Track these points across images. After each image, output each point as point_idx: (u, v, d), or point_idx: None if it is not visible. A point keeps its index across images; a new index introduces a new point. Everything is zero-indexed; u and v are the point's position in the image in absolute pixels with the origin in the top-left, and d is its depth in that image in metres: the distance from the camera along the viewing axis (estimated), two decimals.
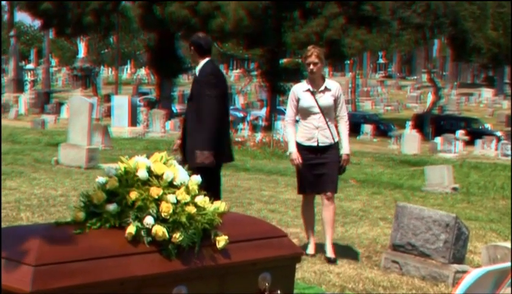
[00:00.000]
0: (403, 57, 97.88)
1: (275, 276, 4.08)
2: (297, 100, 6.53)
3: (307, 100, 6.50)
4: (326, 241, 6.62)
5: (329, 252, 6.56)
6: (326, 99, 6.49)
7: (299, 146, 6.55)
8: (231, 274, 3.87)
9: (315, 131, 6.50)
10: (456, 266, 6.26)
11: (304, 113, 6.55)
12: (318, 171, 6.54)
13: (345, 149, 6.59)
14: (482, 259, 5.96)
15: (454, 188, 13.30)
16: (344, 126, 6.59)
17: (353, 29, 39.17)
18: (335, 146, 6.56)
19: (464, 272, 6.25)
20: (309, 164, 6.53)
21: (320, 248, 6.78)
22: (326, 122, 6.49)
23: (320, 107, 6.46)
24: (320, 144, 6.51)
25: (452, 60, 68.50)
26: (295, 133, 6.64)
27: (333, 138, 6.53)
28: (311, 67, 6.45)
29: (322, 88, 6.49)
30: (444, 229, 6.27)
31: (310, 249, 6.73)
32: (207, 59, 6.46)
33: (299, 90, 6.57)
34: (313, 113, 6.49)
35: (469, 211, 10.72)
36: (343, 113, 6.61)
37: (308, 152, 6.53)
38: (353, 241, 7.28)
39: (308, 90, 6.52)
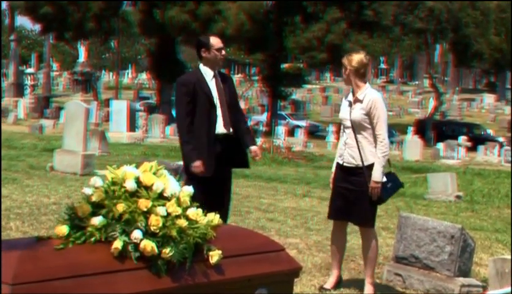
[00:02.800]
0: (405, 62, 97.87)
1: (273, 292, 3.88)
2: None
3: (343, 111, 5.74)
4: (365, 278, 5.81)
5: (367, 290, 5.77)
6: (355, 112, 5.59)
7: (336, 163, 5.80)
8: (225, 291, 3.67)
9: (343, 148, 5.68)
10: (462, 280, 6.04)
11: (342, 124, 5.78)
12: (346, 196, 5.66)
13: (373, 175, 5.50)
14: (489, 272, 5.72)
15: (458, 196, 13.09)
16: (378, 147, 5.52)
17: (354, 34, 39.08)
18: (364, 170, 5.53)
19: (470, 285, 6.03)
20: (338, 186, 5.73)
21: (344, 284, 5.96)
22: (356, 140, 5.56)
23: (351, 120, 5.61)
24: (345, 164, 5.65)
25: (454, 65, 68.36)
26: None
27: (362, 160, 5.53)
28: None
29: (354, 99, 5.66)
30: (450, 241, 6.05)
31: (329, 283, 5.83)
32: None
33: (344, 97, 5.84)
34: (346, 126, 5.67)
35: (473, 220, 10.51)
36: (379, 131, 5.51)
37: (339, 171, 5.74)
38: (354, 252, 7.04)
39: (347, 100, 5.77)
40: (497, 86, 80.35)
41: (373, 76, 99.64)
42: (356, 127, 5.55)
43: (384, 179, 5.52)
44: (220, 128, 5.82)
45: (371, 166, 5.49)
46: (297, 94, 59.89)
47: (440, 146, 33.43)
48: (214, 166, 5.71)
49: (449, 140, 34.07)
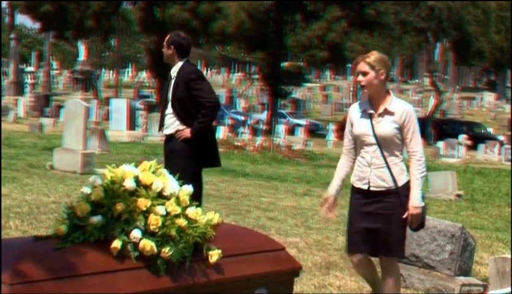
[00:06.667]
0: (405, 60, 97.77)
1: (272, 291, 3.86)
2: (352, 125, 4.80)
3: (360, 125, 4.73)
4: None
5: None
6: (384, 126, 4.66)
7: (352, 188, 4.85)
8: (224, 290, 3.65)
9: (367, 169, 4.72)
10: (462, 279, 6.02)
11: (358, 142, 4.78)
12: (371, 224, 4.71)
13: (412, 199, 4.65)
14: (490, 271, 5.71)
15: (458, 195, 13.08)
16: (415, 166, 4.69)
17: (355, 33, 39.05)
18: (396, 193, 4.67)
19: (471, 285, 6.01)
20: (359, 212, 4.77)
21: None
22: (385, 158, 4.69)
23: (375, 136, 4.68)
24: (372, 188, 4.71)
25: (455, 64, 68.37)
26: (345, 168, 4.89)
27: (394, 182, 4.67)
28: (359, 78, 4.73)
29: (381, 110, 4.70)
30: (450, 240, 6.03)
31: None
32: (185, 60, 6.28)
33: (355, 111, 4.81)
34: (367, 143, 4.72)
35: (474, 219, 10.50)
36: (415, 147, 4.70)
37: (360, 197, 4.78)
38: None
39: (365, 111, 4.75)
40: (497, 85, 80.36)
41: None
42: (385, 143, 4.67)
43: (423, 203, 4.74)
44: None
45: (404, 188, 4.69)
46: (298, 93, 59.84)
47: (440, 144, 33.42)
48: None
49: (450, 139, 34.08)
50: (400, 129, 4.67)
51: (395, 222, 4.67)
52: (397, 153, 4.72)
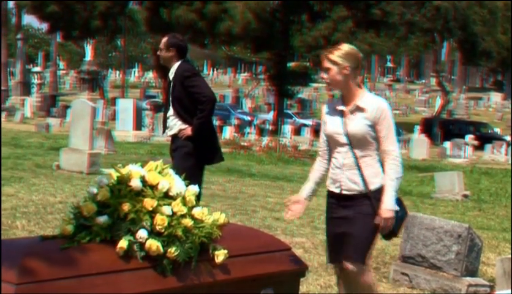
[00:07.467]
0: (412, 60, 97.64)
1: (278, 291, 3.86)
2: (325, 124, 4.42)
3: (332, 124, 4.34)
4: None
5: None
6: (355, 123, 4.26)
7: (327, 192, 4.43)
8: (230, 290, 3.65)
9: (340, 172, 4.31)
10: (469, 279, 6.01)
11: (331, 142, 4.37)
12: (343, 229, 4.29)
13: (385, 202, 4.20)
14: (497, 272, 5.68)
15: (465, 196, 13.05)
16: (390, 166, 4.24)
17: (361, 33, 38.98)
18: (368, 196, 4.25)
19: (477, 285, 5.99)
20: (332, 218, 4.39)
21: None
22: (356, 159, 4.27)
23: (347, 135, 4.28)
24: (344, 192, 4.30)
25: (461, 64, 68.22)
26: (318, 170, 4.45)
27: (366, 184, 4.25)
28: (323, 75, 4.42)
29: (353, 107, 4.30)
30: (457, 240, 6.01)
31: None
32: (182, 60, 6.37)
33: (328, 109, 4.44)
34: (339, 143, 4.31)
35: (481, 219, 10.47)
36: (390, 146, 4.25)
37: (333, 201, 4.37)
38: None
39: (337, 109, 4.36)
40: (504, 85, 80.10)
41: (380, 74, 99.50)
42: (357, 143, 4.25)
43: (397, 207, 4.27)
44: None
45: (378, 191, 4.24)
46: (304, 93, 59.84)
47: (447, 144, 33.35)
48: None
49: (456, 139, 34.00)
50: (373, 126, 4.25)
51: (363, 227, 4.22)
52: (371, 153, 4.27)
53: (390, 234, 4.35)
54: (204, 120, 6.20)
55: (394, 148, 4.27)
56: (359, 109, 4.26)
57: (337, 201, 4.34)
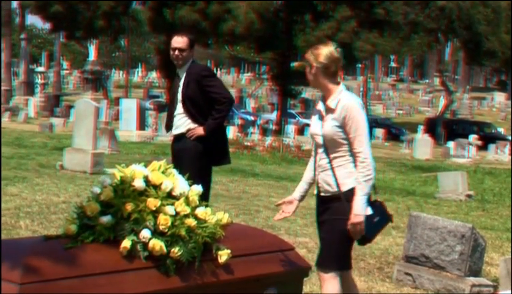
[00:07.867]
0: (415, 60, 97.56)
1: (282, 291, 3.86)
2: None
3: (313, 125, 4.31)
4: None
5: None
6: (326, 125, 4.17)
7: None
8: (234, 290, 3.65)
9: (317, 173, 4.28)
10: (473, 279, 6.00)
11: (314, 143, 4.36)
12: (321, 234, 4.29)
13: (354, 206, 4.06)
14: (500, 272, 5.68)
15: (469, 196, 13.02)
16: (358, 169, 4.11)
17: (364, 32, 38.91)
18: (341, 199, 4.12)
19: (481, 285, 5.99)
20: (317, 222, 4.36)
21: None
22: (330, 160, 4.17)
23: (322, 136, 4.21)
24: (321, 193, 4.25)
25: (465, 63, 68.12)
26: (310, 171, 4.40)
27: (337, 186, 4.14)
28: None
29: (326, 107, 4.23)
30: (460, 240, 6.01)
31: None
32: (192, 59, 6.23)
33: (314, 109, 4.39)
34: (318, 144, 4.25)
35: (484, 219, 10.45)
36: (358, 147, 4.11)
37: (318, 204, 4.34)
38: (364, 251, 7.01)
39: (317, 109, 4.33)
40: (508, 85, 79.96)
41: (383, 74, 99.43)
42: (329, 144, 4.17)
43: (370, 212, 4.12)
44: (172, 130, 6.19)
45: (350, 193, 4.10)
46: (307, 93, 59.81)
47: (451, 144, 33.29)
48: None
49: (460, 139, 33.95)
50: (342, 127, 4.12)
51: (331, 231, 4.13)
52: (344, 154, 4.14)
53: (363, 240, 4.20)
54: (221, 121, 6.05)
55: (362, 149, 4.10)
56: (329, 109, 4.18)
57: (320, 204, 4.29)
